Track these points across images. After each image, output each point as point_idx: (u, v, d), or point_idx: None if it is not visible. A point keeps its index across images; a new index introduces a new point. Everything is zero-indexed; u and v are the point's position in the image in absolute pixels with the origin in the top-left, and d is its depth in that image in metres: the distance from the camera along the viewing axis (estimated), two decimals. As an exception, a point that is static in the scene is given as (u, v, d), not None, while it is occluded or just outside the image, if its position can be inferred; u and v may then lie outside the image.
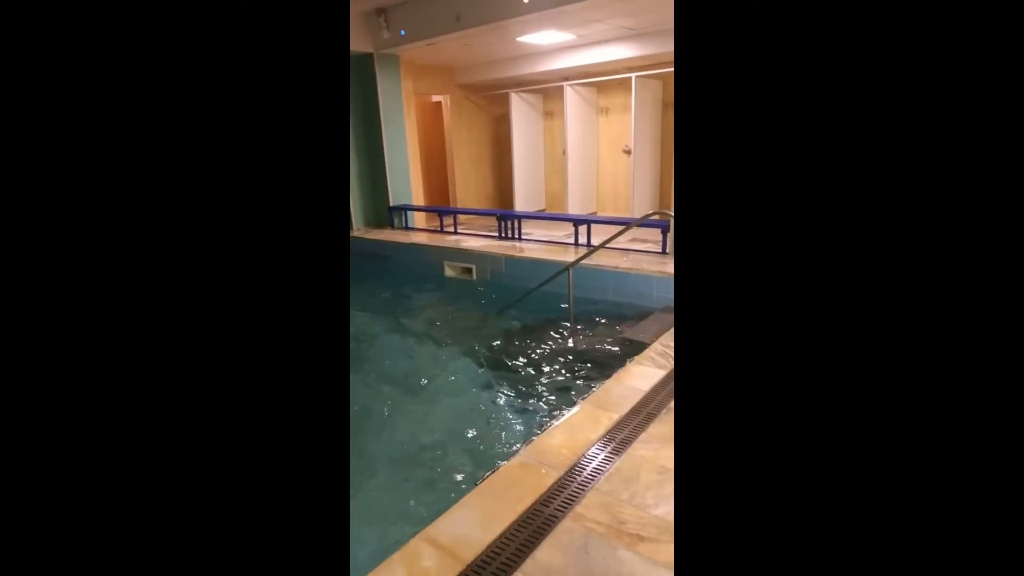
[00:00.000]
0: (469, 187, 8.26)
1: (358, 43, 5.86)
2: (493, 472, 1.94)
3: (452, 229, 6.09)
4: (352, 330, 4.07)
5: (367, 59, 6.13)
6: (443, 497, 2.11)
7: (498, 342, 3.67)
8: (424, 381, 3.21)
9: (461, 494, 1.92)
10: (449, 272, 5.26)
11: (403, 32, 5.63)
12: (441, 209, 6.60)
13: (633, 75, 6.07)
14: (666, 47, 5.64)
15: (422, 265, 5.46)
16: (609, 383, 2.57)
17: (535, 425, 2.58)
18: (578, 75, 6.82)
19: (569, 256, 4.61)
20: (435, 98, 8.05)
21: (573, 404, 2.43)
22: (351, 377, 3.24)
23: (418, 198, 7.15)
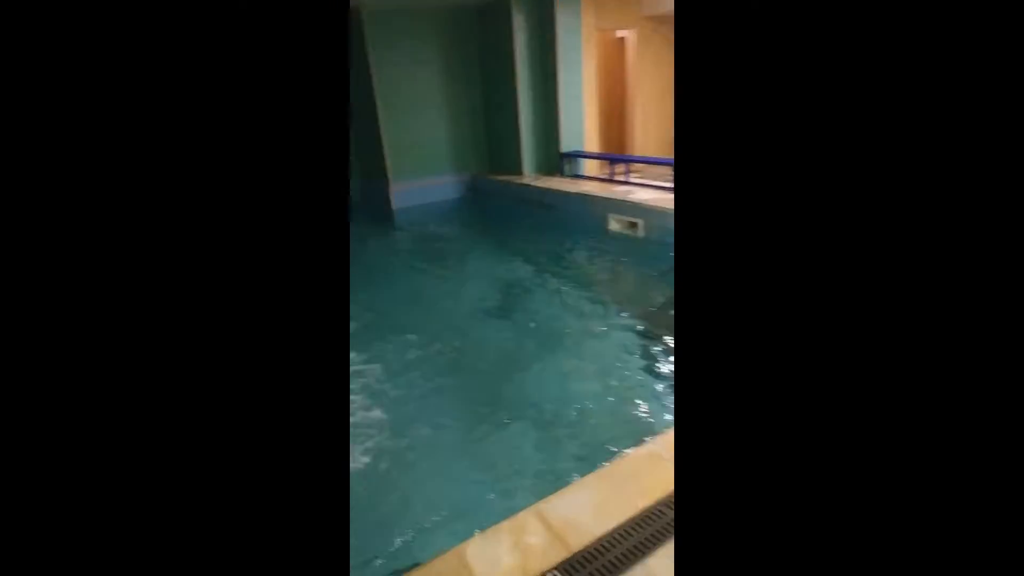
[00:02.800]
0: (649, 130, 7.66)
1: (539, -21, 5.62)
2: (620, 457, 1.80)
3: (623, 178, 5.73)
4: (507, 278, 4.14)
5: (548, -5, 5.88)
6: (565, 463, 2.04)
7: (656, 308, 3.40)
8: (573, 339, 3.13)
9: (584, 469, 1.83)
10: (613, 226, 5.00)
11: (586, -39, 5.22)
12: (613, 157, 6.24)
13: None
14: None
15: (586, 217, 5.28)
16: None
17: (680, 407, 2.34)
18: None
19: (752, 215, 4.00)
20: (619, 33, 7.48)
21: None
22: (502, 321, 3.32)
23: (592, 143, 6.85)
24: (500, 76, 6.54)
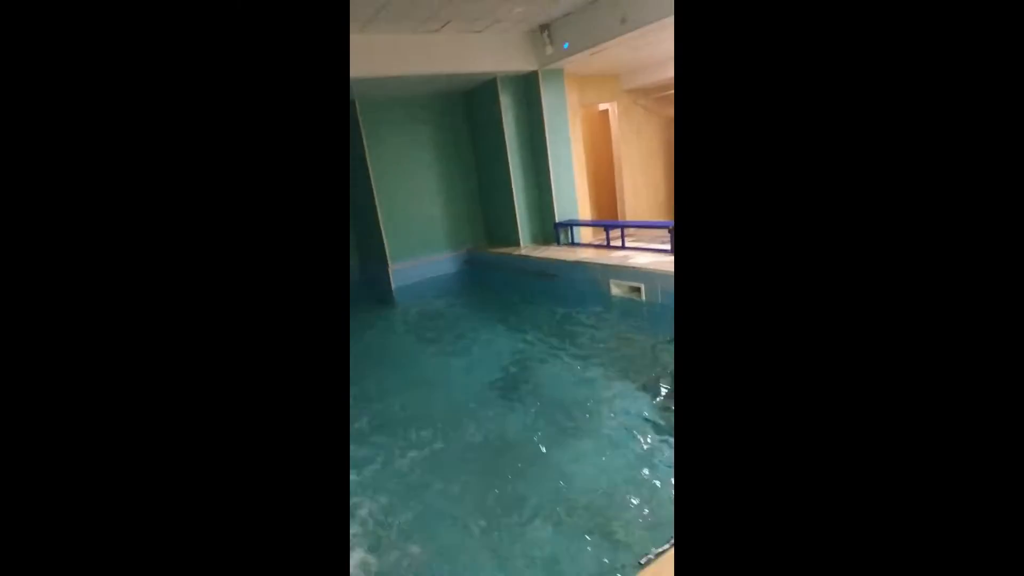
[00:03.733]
0: (639, 195, 7.84)
1: (521, 62, 5.93)
2: (661, 553, 1.63)
3: (620, 243, 5.77)
4: (513, 353, 4.03)
5: (532, 77, 6.17)
6: (590, 566, 1.85)
7: (669, 377, 3.28)
8: (586, 416, 2.99)
9: (616, 570, 1.65)
10: (616, 291, 4.96)
11: (566, 45, 5.52)
12: (607, 223, 6.32)
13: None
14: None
15: (588, 283, 5.25)
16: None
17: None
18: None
19: (755, 273, 3.97)
20: (602, 107, 7.82)
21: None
22: (516, 405, 3.18)
23: (585, 211, 6.97)
24: (492, 153, 6.74)
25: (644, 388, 3.16)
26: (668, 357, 3.55)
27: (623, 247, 5.67)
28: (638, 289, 4.73)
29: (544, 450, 2.67)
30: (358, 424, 3.12)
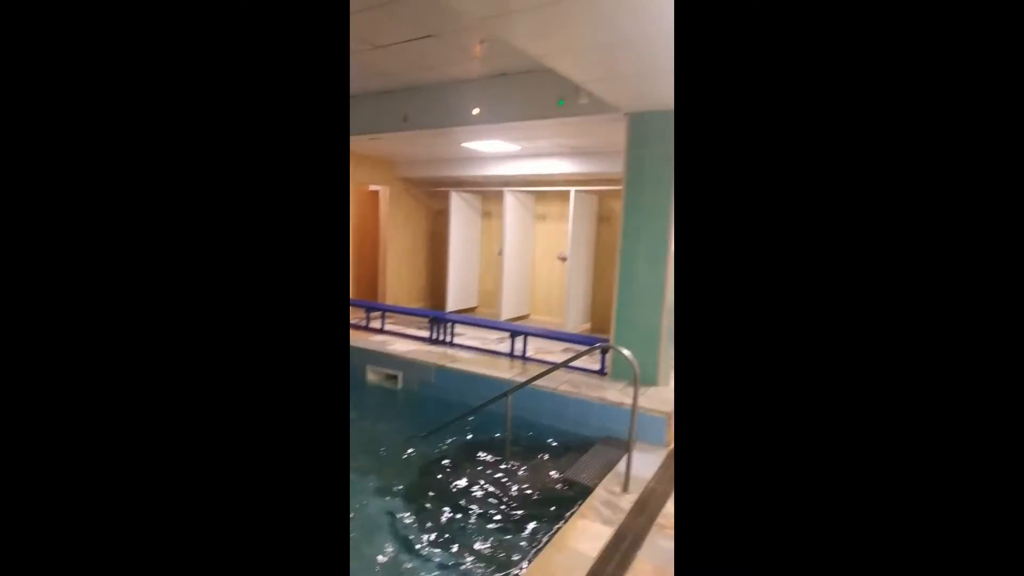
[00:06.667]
0: (401, 279, 7.96)
1: (297, 129, 5.67)
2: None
3: (379, 326, 5.68)
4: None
5: (305, 145, 5.92)
6: None
7: (421, 472, 3.22)
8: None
9: None
10: (372, 377, 4.80)
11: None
12: (369, 304, 6.19)
13: (572, 189, 6.26)
14: (604, 167, 5.89)
15: (341, 366, 4.95)
16: (549, 550, 2.21)
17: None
18: (519, 182, 6.97)
19: (503, 369, 4.33)
20: (373, 187, 7.92)
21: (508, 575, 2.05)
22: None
23: (345, 288, 6.71)
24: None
25: (392, 491, 3.03)
26: (418, 454, 3.51)
27: (382, 330, 5.59)
28: (395, 377, 4.66)
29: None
30: None
